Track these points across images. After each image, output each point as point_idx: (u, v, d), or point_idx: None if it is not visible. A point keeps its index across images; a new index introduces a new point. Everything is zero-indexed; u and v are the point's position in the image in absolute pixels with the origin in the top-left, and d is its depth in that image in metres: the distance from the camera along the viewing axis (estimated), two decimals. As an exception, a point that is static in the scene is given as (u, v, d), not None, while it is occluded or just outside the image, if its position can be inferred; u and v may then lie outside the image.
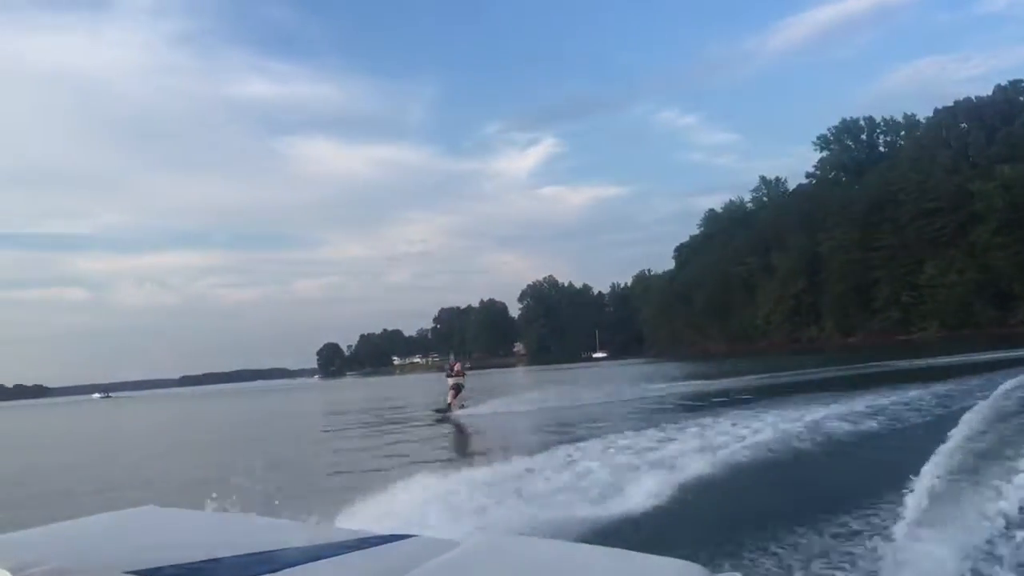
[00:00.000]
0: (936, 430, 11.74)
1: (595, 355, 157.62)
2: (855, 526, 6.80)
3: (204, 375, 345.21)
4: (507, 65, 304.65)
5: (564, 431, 17.36)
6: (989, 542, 5.93)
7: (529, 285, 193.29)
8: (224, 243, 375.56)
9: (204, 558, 1.59)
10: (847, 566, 5.81)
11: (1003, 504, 6.80)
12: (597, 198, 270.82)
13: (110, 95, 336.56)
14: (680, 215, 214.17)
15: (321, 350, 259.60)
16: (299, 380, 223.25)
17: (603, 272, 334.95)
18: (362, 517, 6.92)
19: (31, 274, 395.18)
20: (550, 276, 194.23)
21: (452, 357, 27.79)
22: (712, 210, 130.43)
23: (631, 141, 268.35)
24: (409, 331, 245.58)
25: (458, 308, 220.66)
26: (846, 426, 13.79)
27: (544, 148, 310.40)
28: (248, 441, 24.32)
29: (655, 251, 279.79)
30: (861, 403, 16.72)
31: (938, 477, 8.14)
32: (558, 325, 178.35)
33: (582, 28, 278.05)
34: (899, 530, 6.34)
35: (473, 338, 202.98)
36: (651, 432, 13.65)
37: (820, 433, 12.84)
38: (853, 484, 8.93)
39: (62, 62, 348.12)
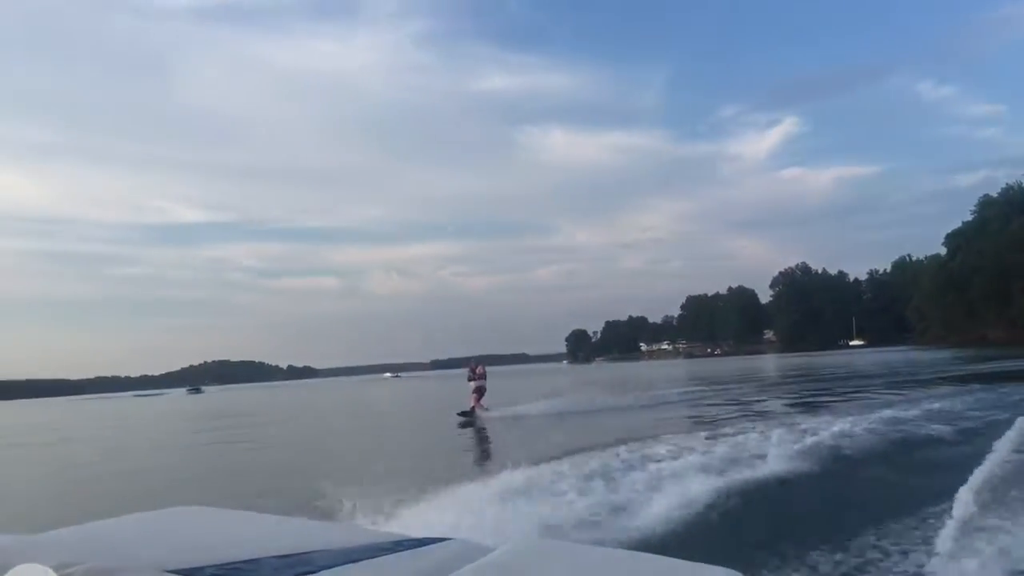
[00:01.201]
0: None
1: (852, 343, 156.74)
2: (911, 536, 6.67)
3: (451, 360, 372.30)
4: (743, 46, 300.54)
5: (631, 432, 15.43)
6: None
7: (781, 272, 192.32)
8: (466, 232, 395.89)
9: (242, 558, 1.58)
10: None
11: None
12: (844, 179, 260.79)
13: (362, 96, 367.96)
14: (938, 194, 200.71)
15: (569, 336, 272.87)
16: (550, 365, 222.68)
17: (853, 256, 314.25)
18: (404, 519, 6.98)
19: (292, 265, 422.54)
20: (803, 263, 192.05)
21: (474, 361, 27.31)
22: (987, 195, 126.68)
23: (880, 117, 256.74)
24: (654, 318, 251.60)
25: (705, 295, 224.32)
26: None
27: (785, 128, 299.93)
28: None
29: (912, 233, 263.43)
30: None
31: None
32: (812, 312, 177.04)
33: (821, 2, 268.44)
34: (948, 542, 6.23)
35: (722, 325, 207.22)
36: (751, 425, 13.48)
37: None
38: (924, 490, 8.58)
39: (320, 67, 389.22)
